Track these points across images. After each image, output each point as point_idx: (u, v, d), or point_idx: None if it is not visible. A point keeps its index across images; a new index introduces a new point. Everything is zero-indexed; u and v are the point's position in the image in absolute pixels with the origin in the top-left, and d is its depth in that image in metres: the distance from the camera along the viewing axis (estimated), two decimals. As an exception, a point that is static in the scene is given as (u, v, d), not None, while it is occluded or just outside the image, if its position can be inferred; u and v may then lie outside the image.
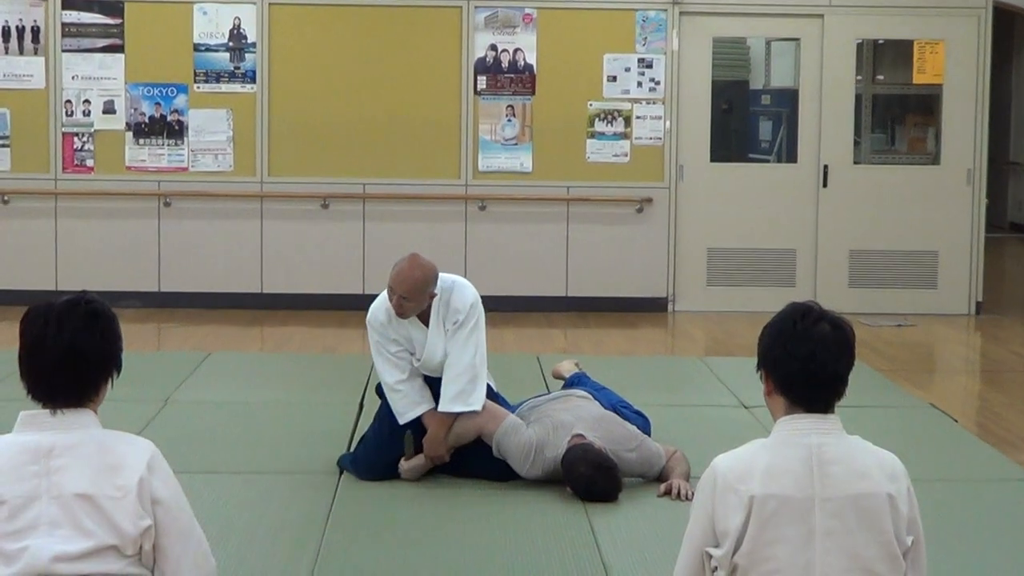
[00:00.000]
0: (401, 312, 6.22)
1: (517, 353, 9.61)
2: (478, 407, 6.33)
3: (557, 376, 7.83)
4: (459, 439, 6.37)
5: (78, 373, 3.43)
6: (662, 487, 6.23)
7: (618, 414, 6.67)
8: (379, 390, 6.58)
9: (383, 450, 6.42)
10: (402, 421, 6.37)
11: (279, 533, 5.67)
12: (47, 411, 3.44)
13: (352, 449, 6.72)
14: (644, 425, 6.77)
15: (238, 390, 8.41)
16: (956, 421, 7.90)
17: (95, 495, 3.36)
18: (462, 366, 6.30)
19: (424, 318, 6.31)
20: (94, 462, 3.40)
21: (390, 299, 6.23)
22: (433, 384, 6.43)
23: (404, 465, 6.39)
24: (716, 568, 3.45)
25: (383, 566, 5.32)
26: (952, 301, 12.12)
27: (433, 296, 6.23)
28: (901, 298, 12.08)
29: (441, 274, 6.31)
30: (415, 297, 6.18)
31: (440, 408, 6.33)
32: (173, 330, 10.99)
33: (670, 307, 12.03)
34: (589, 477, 6.10)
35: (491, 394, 6.59)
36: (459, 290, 6.34)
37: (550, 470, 6.26)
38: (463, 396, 6.30)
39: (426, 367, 6.39)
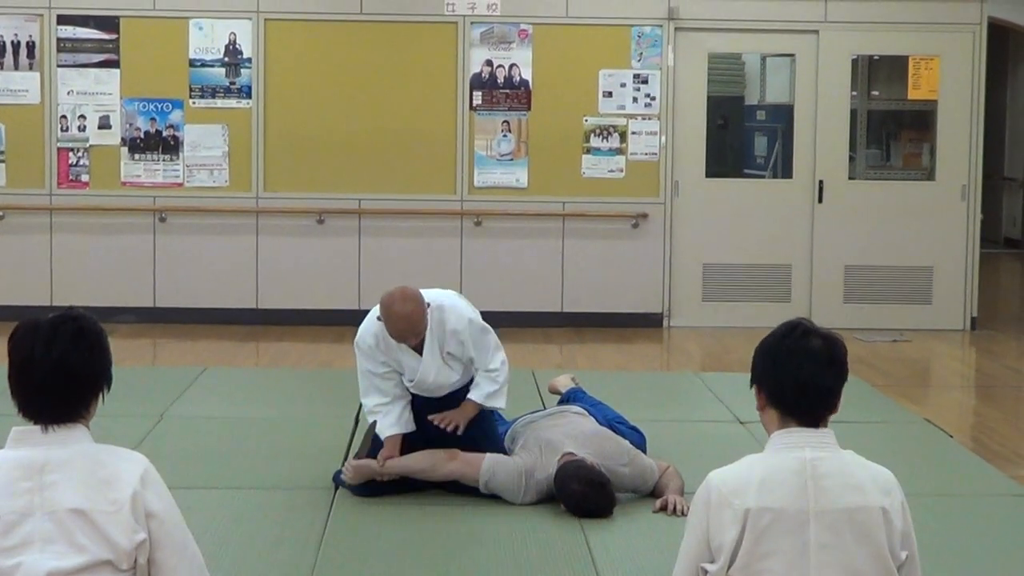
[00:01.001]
0: (412, 341, 6.21)
1: (513, 368, 9.58)
2: (503, 404, 6.46)
3: (553, 391, 7.82)
4: (425, 475, 6.34)
5: (68, 390, 3.43)
6: (658, 502, 6.22)
7: (613, 430, 6.67)
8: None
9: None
10: (382, 437, 6.37)
11: (274, 549, 5.66)
12: (38, 427, 3.44)
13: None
14: (639, 441, 6.77)
15: (233, 405, 8.40)
16: (951, 436, 7.90)
17: (89, 510, 3.36)
18: (498, 365, 6.40)
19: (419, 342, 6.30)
20: (87, 477, 3.39)
21: (403, 343, 6.21)
22: (425, 402, 6.42)
23: (352, 462, 6.36)
24: (712, 583, 3.45)
25: (378, 582, 5.32)
26: (947, 316, 12.13)
27: (428, 306, 6.21)
28: (896, 313, 12.08)
29: (427, 293, 6.27)
30: (421, 325, 6.17)
31: (473, 398, 6.39)
32: (168, 345, 10.97)
33: (665, 322, 12.04)
34: (582, 493, 6.09)
35: (485, 411, 6.58)
36: (451, 311, 6.31)
37: (544, 491, 6.25)
38: (496, 395, 6.42)
39: (420, 388, 6.39)
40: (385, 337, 6.23)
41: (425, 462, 6.33)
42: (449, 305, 6.33)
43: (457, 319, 6.29)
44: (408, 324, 6.11)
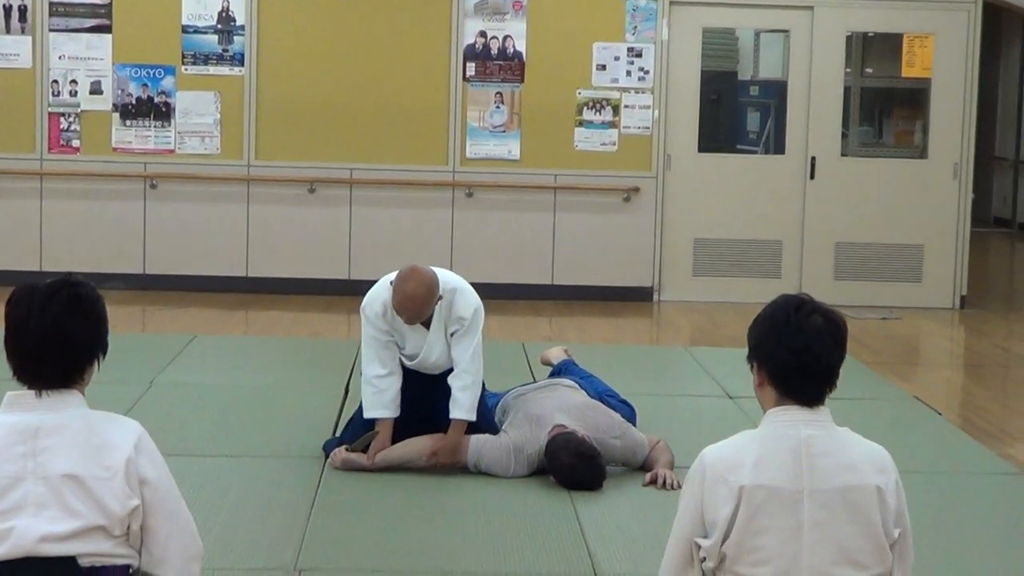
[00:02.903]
0: (412, 322, 6.23)
1: (502, 341, 9.61)
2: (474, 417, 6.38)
3: (545, 362, 7.82)
4: (412, 464, 6.34)
5: (63, 356, 3.43)
6: (648, 476, 6.23)
7: (604, 403, 6.67)
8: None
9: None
10: (366, 415, 6.37)
11: (265, 517, 5.67)
12: (33, 392, 3.44)
13: (338, 434, 6.72)
14: (629, 414, 6.78)
15: (223, 373, 8.40)
16: (940, 414, 7.93)
17: (82, 475, 3.36)
18: (473, 374, 6.31)
19: (425, 320, 6.30)
20: (81, 443, 3.39)
21: (400, 316, 6.20)
22: (418, 379, 6.43)
23: (341, 454, 6.35)
24: (704, 558, 3.45)
25: (368, 551, 5.33)
26: (937, 295, 12.15)
27: (439, 299, 6.22)
28: (886, 291, 12.10)
29: (442, 275, 6.28)
30: (425, 311, 6.19)
31: (460, 416, 6.28)
32: (157, 312, 10.97)
33: (656, 296, 12.04)
34: (571, 466, 6.09)
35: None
36: (461, 295, 6.32)
37: (535, 464, 6.26)
38: (475, 403, 6.35)
39: (421, 366, 6.39)
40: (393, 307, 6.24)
41: (412, 452, 6.33)
42: (461, 289, 6.34)
43: (465, 306, 6.30)
44: (411, 305, 6.11)
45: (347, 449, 6.36)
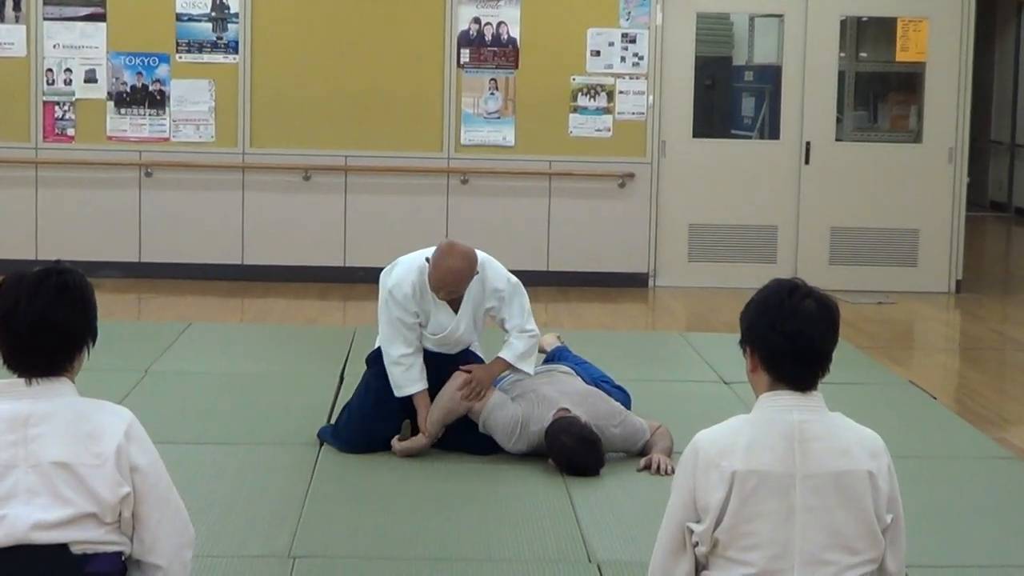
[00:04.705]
0: (450, 297, 6.28)
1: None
2: (531, 371, 6.49)
3: (539, 350, 7.82)
4: (450, 415, 6.36)
5: (51, 344, 3.43)
6: (642, 461, 6.24)
7: (599, 389, 6.68)
8: (369, 360, 6.58)
9: (367, 424, 6.41)
10: (399, 394, 6.38)
11: (259, 504, 5.67)
12: (22, 380, 3.44)
13: (333, 421, 6.71)
14: (624, 399, 6.78)
15: (218, 361, 8.40)
16: (935, 398, 7.93)
17: (73, 463, 3.36)
18: (532, 331, 6.45)
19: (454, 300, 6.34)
20: (71, 430, 3.40)
21: (436, 293, 6.23)
22: (437, 361, 6.44)
23: (399, 446, 6.37)
24: (697, 543, 3.46)
25: (363, 538, 5.33)
26: (932, 279, 12.14)
27: (476, 273, 6.26)
28: (881, 275, 12.09)
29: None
30: (464, 286, 6.26)
31: (507, 357, 6.42)
32: (153, 300, 10.96)
33: (651, 282, 12.04)
34: (572, 449, 6.10)
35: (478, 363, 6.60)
36: (491, 267, 6.41)
37: (535, 444, 6.27)
38: (528, 356, 6.47)
39: (443, 342, 6.41)
40: (423, 288, 6.26)
41: (448, 399, 6.34)
42: (489, 261, 6.42)
43: (497, 277, 6.40)
44: (454, 280, 6.18)
45: (399, 439, 6.36)
